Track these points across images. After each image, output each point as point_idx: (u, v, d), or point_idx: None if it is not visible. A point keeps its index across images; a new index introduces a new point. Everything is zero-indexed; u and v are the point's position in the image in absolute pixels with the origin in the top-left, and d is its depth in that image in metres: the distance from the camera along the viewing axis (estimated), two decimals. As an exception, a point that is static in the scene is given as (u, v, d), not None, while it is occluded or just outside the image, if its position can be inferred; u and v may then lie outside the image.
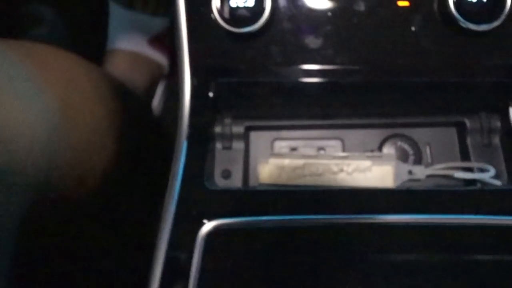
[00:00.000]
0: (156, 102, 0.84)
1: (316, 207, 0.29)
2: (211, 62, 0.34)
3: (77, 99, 0.37)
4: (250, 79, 0.34)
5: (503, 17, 0.34)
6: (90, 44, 0.83)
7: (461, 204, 0.30)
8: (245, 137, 0.35)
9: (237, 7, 0.34)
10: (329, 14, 0.36)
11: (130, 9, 0.83)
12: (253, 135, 0.36)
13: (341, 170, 0.33)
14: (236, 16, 0.34)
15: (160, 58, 0.83)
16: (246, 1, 0.34)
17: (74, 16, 0.84)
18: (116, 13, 0.83)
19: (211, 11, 0.34)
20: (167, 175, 0.32)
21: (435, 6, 0.35)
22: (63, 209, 0.36)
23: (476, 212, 0.30)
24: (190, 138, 0.32)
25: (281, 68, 0.34)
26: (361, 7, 0.36)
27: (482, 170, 0.35)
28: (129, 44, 0.81)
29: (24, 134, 0.29)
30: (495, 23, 0.34)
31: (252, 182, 0.34)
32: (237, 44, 0.34)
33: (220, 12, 0.34)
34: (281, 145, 0.36)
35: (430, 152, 0.37)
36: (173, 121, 0.36)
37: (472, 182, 0.35)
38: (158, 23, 0.83)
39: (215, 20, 0.34)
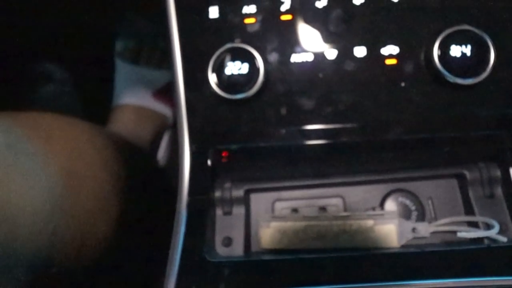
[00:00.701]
0: (161, 153, 0.86)
1: (320, 277, 0.28)
2: (209, 129, 0.35)
3: (80, 167, 0.38)
4: (248, 144, 0.34)
5: (488, 70, 0.35)
6: (98, 100, 0.86)
7: (469, 265, 0.30)
8: (245, 201, 0.35)
9: (232, 75, 0.36)
10: (321, 75, 0.37)
11: (136, 64, 0.87)
12: (254, 197, 0.36)
13: (344, 232, 0.33)
14: (231, 83, 0.36)
15: (165, 110, 0.86)
16: (240, 69, 0.36)
17: (82, 73, 0.87)
18: (122, 69, 0.87)
19: (207, 79, 0.36)
20: (170, 238, 0.32)
21: (422, 62, 0.37)
22: (63, 280, 0.36)
23: (486, 273, 0.29)
24: (190, 206, 0.32)
25: (277, 131, 0.35)
26: (351, 67, 0.37)
27: (487, 224, 0.34)
28: (134, 99, 0.83)
29: (27, 211, 0.30)
30: (481, 77, 0.35)
31: (254, 248, 0.34)
32: (233, 110, 0.36)
33: (216, 80, 0.35)
34: (282, 206, 0.36)
35: (433, 206, 0.37)
36: (177, 173, 0.37)
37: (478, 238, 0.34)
38: (162, 76, 0.87)
39: (212, 88, 0.36)
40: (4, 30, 0.64)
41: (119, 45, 0.89)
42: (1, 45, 0.68)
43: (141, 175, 0.53)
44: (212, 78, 0.36)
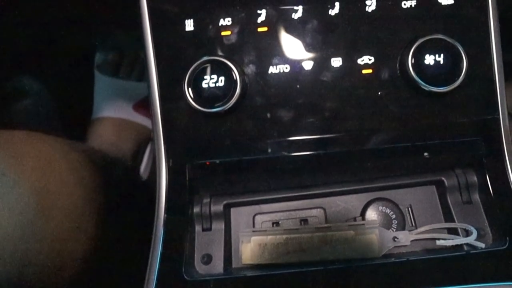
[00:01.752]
0: (144, 166, 0.84)
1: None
2: (186, 143, 0.34)
3: (54, 185, 0.37)
4: (226, 158, 0.34)
5: (461, 78, 0.35)
6: (76, 113, 0.84)
7: (450, 272, 0.30)
8: (225, 215, 0.35)
9: (209, 88, 0.35)
10: (298, 86, 0.37)
11: (115, 76, 0.86)
12: (233, 211, 0.36)
13: (325, 243, 0.33)
14: (208, 96, 0.35)
15: (146, 121, 0.85)
16: (217, 81, 0.36)
17: (59, 86, 0.85)
18: (101, 82, 0.86)
19: (183, 93, 0.35)
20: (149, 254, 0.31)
21: (397, 71, 0.37)
22: None
23: (466, 280, 0.29)
24: (167, 223, 0.31)
25: (255, 144, 0.35)
26: (328, 77, 0.37)
27: (466, 230, 0.34)
28: (115, 112, 0.82)
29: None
30: (455, 84, 0.35)
31: (234, 264, 0.33)
32: (211, 123, 0.35)
33: (193, 93, 0.35)
34: (263, 220, 0.36)
35: (413, 214, 0.37)
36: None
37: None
38: (142, 88, 0.86)
39: (188, 101, 0.35)
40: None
41: (98, 58, 0.87)
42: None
43: (121, 190, 0.52)
44: (188, 92, 0.35)
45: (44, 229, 0.33)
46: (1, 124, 0.69)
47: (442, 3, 0.38)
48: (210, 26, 0.37)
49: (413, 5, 0.38)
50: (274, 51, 0.37)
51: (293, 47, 0.37)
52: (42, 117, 0.85)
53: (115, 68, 0.88)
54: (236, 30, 0.37)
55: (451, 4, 0.38)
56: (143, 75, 0.88)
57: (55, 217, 0.35)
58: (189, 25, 0.38)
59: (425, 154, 0.36)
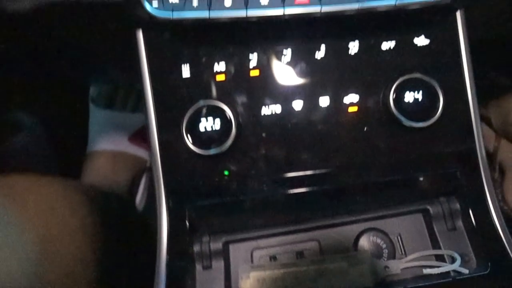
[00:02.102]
0: (139, 197, 0.85)
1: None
2: (186, 185, 0.36)
3: (57, 231, 0.38)
4: (224, 198, 0.36)
5: (438, 113, 0.38)
6: (71, 147, 0.85)
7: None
8: (224, 253, 0.36)
9: (206, 131, 0.38)
10: (289, 126, 0.39)
11: (110, 108, 0.87)
12: (232, 248, 0.37)
13: (320, 275, 0.34)
14: (205, 139, 0.37)
15: (141, 152, 0.86)
16: (213, 124, 0.38)
17: (53, 119, 0.87)
18: (96, 114, 0.87)
19: (182, 136, 0.38)
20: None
21: (380, 108, 0.40)
22: None
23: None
24: (169, 265, 0.33)
25: (251, 183, 0.37)
26: (317, 116, 0.40)
27: (452, 256, 0.37)
28: (110, 144, 0.83)
29: (2, 285, 0.30)
30: (433, 119, 0.38)
31: (235, 301, 0.35)
32: (208, 165, 0.37)
33: (190, 136, 0.37)
34: (261, 255, 0.37)
35: (402, 242, 0.39)
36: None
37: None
38: (137, 119, 0.87)
39: (186, 144, 0.37)
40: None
41: (93, 91, 0.89)
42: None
43: (120, 228, 0.53)
44: (187, 136, 0.37)
45: (49, 275, 0.34)
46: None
47: (418, 44, 0.41)
48: (205, 71, 0.40)
49: (391, 47, 0.41)
50: (266, 94, 0.40)
51: (283, 89, 0.40)
52: (37, 151, 0.86)
53: (109, 100, 0.89)
54: (229, 75, 0.40)
55: (426, 45, 0.41)
56: (137, 106, 0.90)
57: (60, 263, 0.36)
58: (186, 70, 0.40)
59: (410, 186, 0.39)
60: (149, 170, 0.89)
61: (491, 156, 0.88)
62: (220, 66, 0.40)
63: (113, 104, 0.89)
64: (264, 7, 0.36)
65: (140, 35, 0.40)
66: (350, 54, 0.41)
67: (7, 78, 0.74)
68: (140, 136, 0.87)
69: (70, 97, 0.87)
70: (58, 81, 0.81)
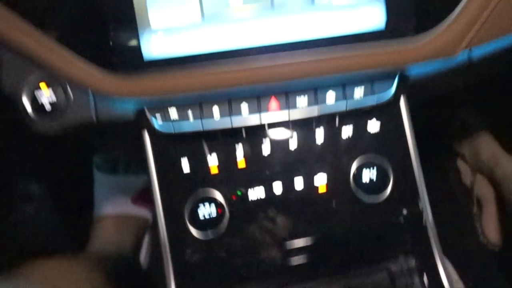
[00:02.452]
0: (143, 254, 0.92)
1: None
2: (191, 265, 0.45)
3: None
4: (226, 275, 0.44)
5: (388, 190, 0.48)
6: (78, 213, 0.92)
7: None
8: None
9: (204, 218, 0.46)
10: (273, 207, 0.49)
11: (113, 173, 0.95)
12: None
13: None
14: (204, 225, 0.46)
15: (144, 212, 0.93)
16: (210, 212, 0.47)
17: (61, 189, 0.94)
18: (101, 179, 0.95)
19: (185, 222, 0.46)
20: None
21: (343, 186, 0.49)
22: None
23: None
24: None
25: (246, 259, 0.46)
26: (294, 197, 0.49)
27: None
28: (114, 208, 0.91)
29: None
30: (385, 194, 0.48)
31: None
32: (208, 247, 0.46)
33: (193, 226, 0.46)
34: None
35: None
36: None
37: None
38: (139, 180, 0.95)
39: (189, 230, 0.46)
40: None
41: (96, 158, 0.97)
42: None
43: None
44: (188, 221, 0.46)
45: None
46: (6, 230, 0.76)
47: (371, 132, 0.51)
48: (202, 165, 0.49)
49: (349, 135, 0.51)
50: (251, 182, 0.49)
51: (265, 175, 0.50)
52: (45, 220, 0.93)
53: (113, 166, 0.97)
54: (221, 166, 0.49)
55: (378, 132, 0.51)
56: (140, 168, 0.98)
57: None
58: (185, 164, 0.50)
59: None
60: (153, 226, 0.96)
61: (468, 191, 0.95)
62: (213, 160, 0.50)
63: (117, 169, 0.97)
64: (245, 112, 0.47)
65: (146, 136, 0.50)
66: (317, 141, 0.50)
67: (20, 151, 0.82)
68: (142, 196, 0.95)
69: (75, 164, 0.94)
70: (62, 153, 0.89)
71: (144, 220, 0.95)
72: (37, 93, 0.45)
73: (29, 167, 0.91)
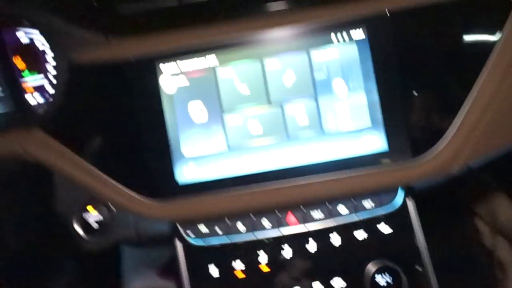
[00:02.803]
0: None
1: None
2: None
3: None
4: None
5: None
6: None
7: None
8: None
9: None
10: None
11: (140, 246, 1.00)
12: None
13: None
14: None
15: (168, 284, 0.97)
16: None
17: (89, 266, 0.98)
18: (127, 254, 1.00)
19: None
20: None
21: None
22: None
23: None
24: None
25: None
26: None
27: None
28: (141, 283, 0.95)
29: None
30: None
31: None
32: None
33: None
34: None
35: None
36: None
37: None
38: (164, 253, 1.00)
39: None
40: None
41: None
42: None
43: None
44: None
45: None
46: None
47: (383, 232, 0.55)
48: (229, 273, 0.54)
49: (365, 237, 0.55)
50: (274, 285, 0.54)
51: (286, 279, 0.54)
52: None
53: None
54: (247, 272, 0.54)
55: (390, 237, 0.55)
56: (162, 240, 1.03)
57: None
58: (215, 272, 0.54)
59: None
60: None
61: (489, 254, 0.94)
62: (238, 264, 0.54)
63: (143, 244, 1.02)
64: (266, 227, 0.52)
65: (178, 247, 0.55)
66: (334, 246, 0.55)
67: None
68: (167, 269, 0.99)
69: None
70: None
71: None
72: (85, 215, 0.52)
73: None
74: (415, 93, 0.49)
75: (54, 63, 0.49)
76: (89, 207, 0.52)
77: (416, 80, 0.49)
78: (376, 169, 0.49)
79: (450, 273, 0.59)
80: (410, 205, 0.54)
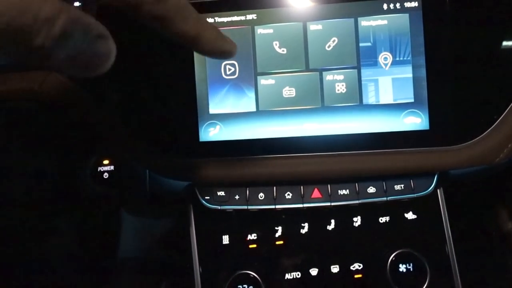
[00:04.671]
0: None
1: None
2: None
3: None
4: None
5: (426, 284, 0.49)
6: (103, 253, 0.94)
7: None
8: None
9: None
10: (308, 288, 0.50)
11: (141, 215, 0.98)
12: None
13: None
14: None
15: (173, 252, 0.94)
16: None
17: (89, 230, 0.95)
18: (127, 221, 0.98)
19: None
20: None
21: (378, 276, 0.50)
22: None
23: None
24: None
25: None
26: (329, 281, 0.50)
27: None
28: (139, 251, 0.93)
29: None
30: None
31: None
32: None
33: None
34: None
35: None
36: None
37: None
38: (167, 223, 0.97)
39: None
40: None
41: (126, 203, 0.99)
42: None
43: None
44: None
45: None
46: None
47: (408, 218, 0.52)
48: (241, 242, 0.51)
49: (387, 220, 0.52)
50: (288, 261, 0.51)
51: (302, 257, 0.51)
52: (70, 255, 0.95)
53: (141, 208, 1.00)
54: (260, 244, 0.51)
55: (415, 220, 0.52)
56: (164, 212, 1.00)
57: None
58: (226, 239, 0.52)
59: None
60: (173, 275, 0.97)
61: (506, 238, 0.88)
62: (252, 237, 0.52)
63: (145, 211, 0.99)
64: (288, 201, 0.49)
65: (191, 209, 0.52)
66: (355, 228, 0.52)
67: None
68: (171, 236, 0.96)
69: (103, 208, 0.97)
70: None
71: (167, 266, 0.96)
72: (99, 168, 0.49)
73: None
74: (466, 74, 0.46)
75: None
76: (105, 160, 0.49)
77: (469, 60, 0.46)
78: (415, 150, 0.46)
79: (473, 267, 0.57)
80: (441, 192, 0.51)
